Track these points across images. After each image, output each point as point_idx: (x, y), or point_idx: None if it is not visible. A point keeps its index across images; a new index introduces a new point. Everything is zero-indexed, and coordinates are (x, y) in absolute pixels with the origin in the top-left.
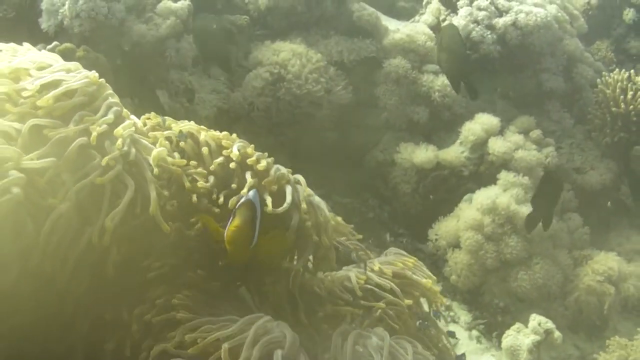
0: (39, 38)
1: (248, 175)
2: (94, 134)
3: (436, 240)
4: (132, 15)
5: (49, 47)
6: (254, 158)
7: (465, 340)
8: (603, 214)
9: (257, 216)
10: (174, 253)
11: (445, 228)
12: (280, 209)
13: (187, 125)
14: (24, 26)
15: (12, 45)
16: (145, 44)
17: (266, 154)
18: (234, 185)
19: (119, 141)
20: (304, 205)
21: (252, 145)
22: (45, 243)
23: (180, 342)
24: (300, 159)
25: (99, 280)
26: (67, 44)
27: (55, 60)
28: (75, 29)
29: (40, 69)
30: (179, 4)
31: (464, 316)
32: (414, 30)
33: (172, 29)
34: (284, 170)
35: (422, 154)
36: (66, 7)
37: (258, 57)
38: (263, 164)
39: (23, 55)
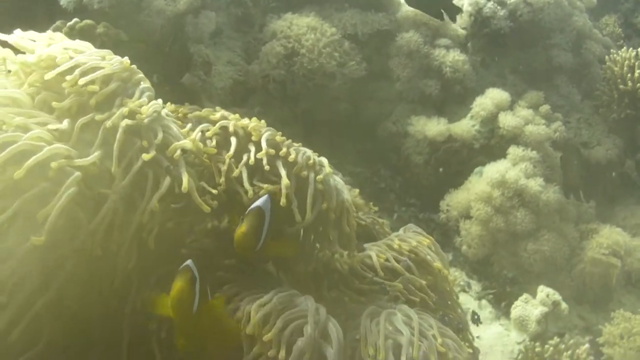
0: (57, 14)
1: (280, 165)
2: (133, 118)
3: (447, 210)
4: None
5: (69, 23)
6: (284, 150)
7: (475, 310)
8: (608, 188)
9: (264, 223)
10: (207, 237)
11: (456, 199)
12: (309, 197)
13: (219, 113)
14: (42, 2)
15: (48, 33)
16: (162, 18)
17: (291, 140)
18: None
19: (142, 116)
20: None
21: (280, 133)
22: (98, 230)
23: None
24: (314, 130)
25: (144, 263)
26: (88, 21)
27: (88, 47)
28: (95, 5)
29: (77, 53)
30: None
31: (474, 286)
32: None
33: (189, 4)
34: (309, 153)
35: (435, 126)
36: None
37: (273, 30)
38: (292, 155)
39: (58, 43)
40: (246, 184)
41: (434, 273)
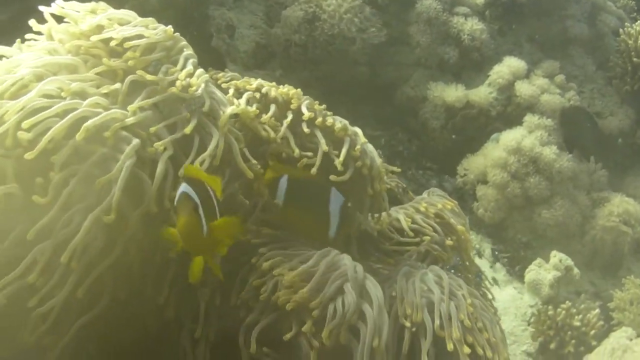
0: None
1: (319, 134)
2: (178, 83)
3: (465, 175)
4: None
5: None
6: (320, 119)
7: (489, 273)
8: (619, 158)
9: (198, 205)
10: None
11: (473, 164)
12: (341, 157)
13: (257, 83)
14: None
15: (92, 3)
16: None
17: (325, 107)
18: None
19: (193, 89)
20: (357, 152)
21: (317, 102)
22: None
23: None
24: (333, 93)
25: None
26: None
27: (133, 17)
28: None
29: (121, 25)
30: None
31: (488, 249)
32: None
33: None
34: (345, 122)
35: (453, 93)
36: None
37: None
38: (330, 121)
39: (103, 12)
40: (293, 146)
41: (457, 235)
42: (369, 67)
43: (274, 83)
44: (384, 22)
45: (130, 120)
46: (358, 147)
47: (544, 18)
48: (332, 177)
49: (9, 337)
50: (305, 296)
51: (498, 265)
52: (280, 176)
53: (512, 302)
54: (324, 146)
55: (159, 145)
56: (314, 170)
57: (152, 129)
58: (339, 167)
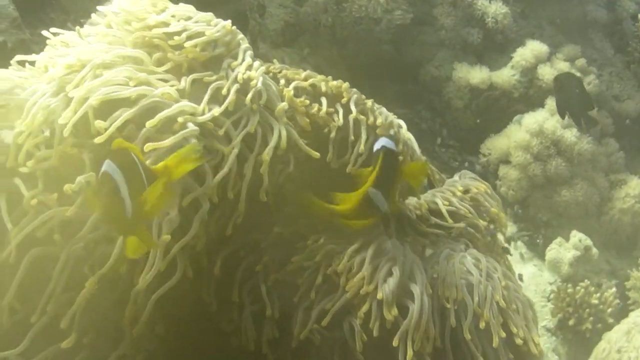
0: None
1: (363, 130)
2: (240, 77)
3: (488, 154)
4: None
5: None
6: (372, 119)
7: (511, 250)
8: (636, 141)
9: (118, 186)
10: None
11: (497, 144)
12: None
13: (306, 74)
14: None
15: None
16: None
17: (373, 102)
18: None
19: (253, 82)
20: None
21: (364, 96)
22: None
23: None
24: (358, 71)
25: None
26: None
27: (193, 12)
28: None
29: (183, 18)
30: None
31: (510, 227)
32: None
33: None
34: (390, 119)
35: (477, 74)
36: None
37: None
38: (377, 119)
39: (163, 7)
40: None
41: (491, 217)
42: (393, 45)
43: (323, 76)
44: (409, 2)
45: (202, 118)
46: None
47: (564, 2)
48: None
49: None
50: (359, 280)
51: (519, 243)
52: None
53: (532, 279)
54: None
55: (229, 148)
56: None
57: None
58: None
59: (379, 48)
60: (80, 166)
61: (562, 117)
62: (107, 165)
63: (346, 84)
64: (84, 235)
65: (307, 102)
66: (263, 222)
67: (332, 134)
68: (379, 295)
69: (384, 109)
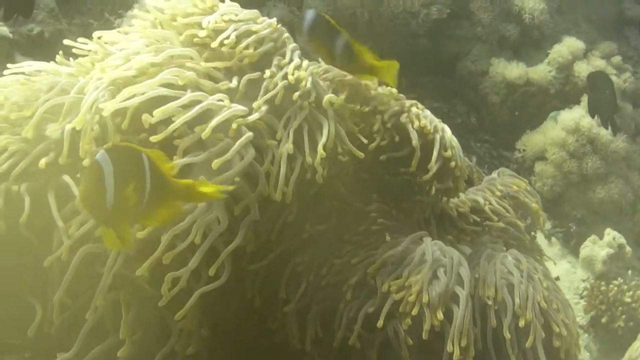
0: None
1: (414, 135)
2: (291, 77)
3: (524, 150)
4: None
5: None
6: (417, 123)
7: (545, 247)
8: None
9: (104, 176)
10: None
11: (532, 141)
12: (435, 152)
13: (350, 78)
14: None
15: None
16: None
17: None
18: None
19: (303, 82)
20: (448, 153)
21: (409, 103)
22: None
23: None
24: None
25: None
26: None
27: (239, 9)
28: None
29: (232, 17)
30: None
31: (545, 224)
32: None
33: None
34: (435, 122)
35: (514, 70)
36: None
37: None
38: (422, 122)
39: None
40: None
41: (532, 214)
42: (429, 39)
43: (368, 79)
44: None
45: (253, 117)
46: (448, 151)
47: None
48: (426, 177)
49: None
50: (405, 284)
51: (553, 239)
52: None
53: (566, 276)
54: (415, 141)
55: (282, 151)
56: (413, 165)
57: (277, 136)
58: (432, 169)
59: (415, 42)
60: None
61: (592, 116)
62: (100, 155)
63: (394, 90)
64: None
65: (357, 107)
66: (307, 220)
67: (378, 140)
68: (425, 299)
69: (428, 112)
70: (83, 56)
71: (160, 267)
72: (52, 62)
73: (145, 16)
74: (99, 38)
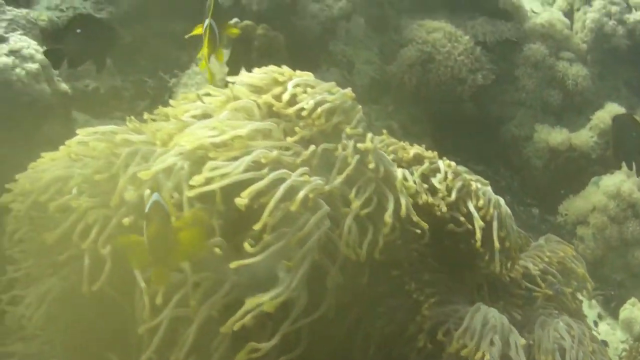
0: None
1: (471, 207)
2: (361, 148)
3: (566, 215)
4: None
5: (230, 22)
6: (475, 201)
7: (585, 309)
8: None
9: (169, 214)
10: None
11: (574, 205)
12: (495, 232)
13: (414, 151)
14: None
15: (274, 68)
16: (317, 23)
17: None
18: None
19: (370, 157)
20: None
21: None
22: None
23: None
24: (440, 127)
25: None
26: (247, 22)
27: (314, 80)
28: (253, 7)
29: (307, 88)
30: None
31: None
32: (552, 16)
33: (343, 10)
34: (493, 198)
35: (558, 135)
36: None
37: (410, 34)
38: (482, 200)
39: (294, 80)
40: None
41: (579, 280)
42: (474, 103)
43: (430, 152)
44: (491, 60)
45: (329, 187)
46: (503, 230)
47: None
48: (483, 250)
49: None
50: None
51: (593, 301)
52: None
53: (605, 337)
54: (479, 221)
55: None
56: (477, 245)
57: (353, 206)
58: (496, 246)
59: (460, 106)
60: (210, 232)
61: (617, 159)
62: (156, 196)
63: (460, 168)
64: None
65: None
66: (376, 284)
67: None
68: None
69: (489, 189)
70: (153, 120)
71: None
72: (125, 126)
73: (221, 90)
74: (173, 107)
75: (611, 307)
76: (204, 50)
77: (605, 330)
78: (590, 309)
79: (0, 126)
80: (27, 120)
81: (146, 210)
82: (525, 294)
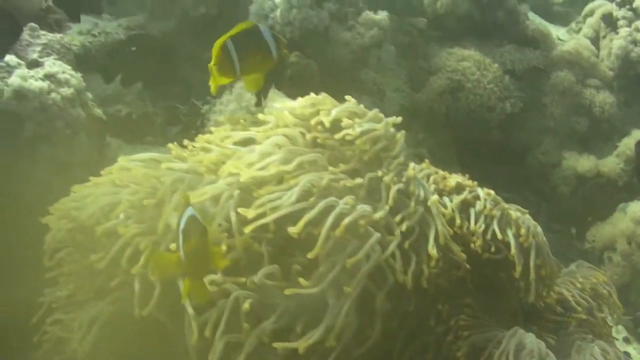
0: None
1: (510, 235)
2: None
3: (593, 241)
4: (334, 22)
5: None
6: (515, 229)
7: (613, 333)
8: None
9: (206, 230)
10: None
11: (602, 232)
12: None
13: (456, 181)
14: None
15: (322, 96)
16: (348, 51)
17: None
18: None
19: (412, 186)
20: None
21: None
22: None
23: None
24: (468, 154)
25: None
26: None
27: (359, 109)
28: (286, 35)
29: (354, 117)
30: (380, 16)
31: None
32: (579, 44)
33: (374, 38)
34: (532, 226)
35: (585, 163)
36: (278, 14)
37: (440, 63)
38: (522, 229)
39: (331, 104)
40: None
41: (610, 305)
42: (501, 130)
43: (470, 181)
44: (519, 88)
45: (378, 215)
46: (539, 260)
47: None
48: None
49: None
50: None
51: (620, 326)
52: None
53: None
54: (514, 249)
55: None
56: (517, 273)
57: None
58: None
59: (488, 133)
60: (259, 258)
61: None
62: (191, 211)
63: (497, 199)
64: None
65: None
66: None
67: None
68: None
69: (527, 217)
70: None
71: None
72: (168, 155)
73: (266, 117)
74: (216, 135)
75: (638, 332)
76: (212, 67)
77: (632, 354)
78: (617, 334)
79: (37, 149)
80: (63, 145)
81: (182, 225)
82: (559, 319)
